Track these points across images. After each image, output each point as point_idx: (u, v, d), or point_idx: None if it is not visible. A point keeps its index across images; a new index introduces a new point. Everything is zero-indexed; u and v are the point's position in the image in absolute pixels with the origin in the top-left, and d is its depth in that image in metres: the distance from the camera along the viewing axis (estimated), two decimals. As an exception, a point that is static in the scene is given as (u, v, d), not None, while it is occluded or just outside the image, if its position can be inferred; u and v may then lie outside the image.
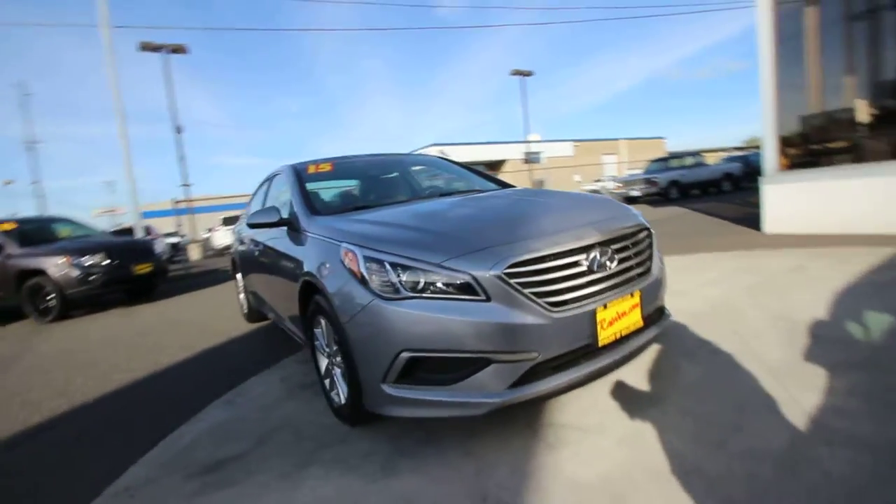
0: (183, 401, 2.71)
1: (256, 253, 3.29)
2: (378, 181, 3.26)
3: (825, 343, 2.25)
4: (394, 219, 2.13)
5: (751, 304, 2.99)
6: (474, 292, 1.59)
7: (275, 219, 2.55)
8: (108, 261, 6.02)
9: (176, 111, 12.93)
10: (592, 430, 1.77)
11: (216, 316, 5.12)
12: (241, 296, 4.54)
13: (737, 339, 2.45)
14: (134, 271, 6.31)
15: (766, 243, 4.84)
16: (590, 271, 1.73)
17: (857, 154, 4.95)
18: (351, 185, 3.29)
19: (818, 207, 4.83)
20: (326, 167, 3.05)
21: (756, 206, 5.70)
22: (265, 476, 1.78)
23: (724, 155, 22.76)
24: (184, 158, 12.54)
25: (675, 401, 1.90)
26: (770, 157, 5.14)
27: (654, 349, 2.44)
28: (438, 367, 1.62)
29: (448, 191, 3.01)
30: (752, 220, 6.29)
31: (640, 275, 1.92)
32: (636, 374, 2.19)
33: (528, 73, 22.81)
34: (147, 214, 9.97)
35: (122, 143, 9.05)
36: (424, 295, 1.62)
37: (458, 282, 1.60)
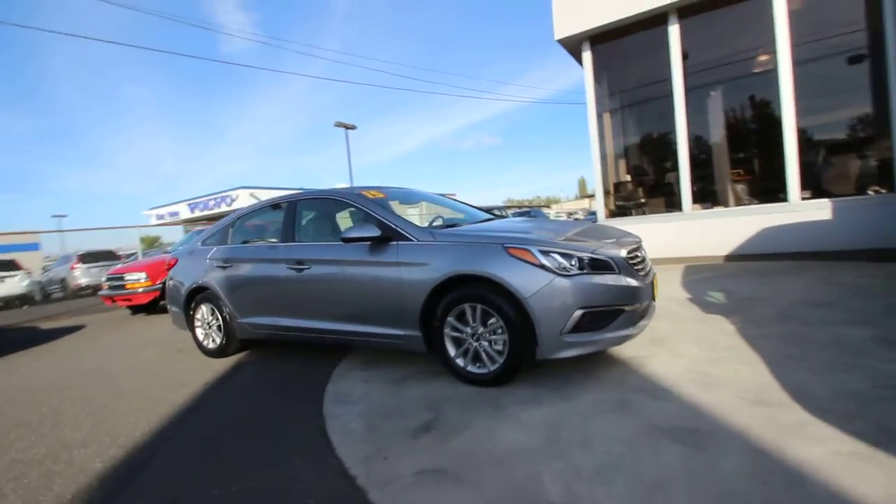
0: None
1: (293, 273, 3.39)
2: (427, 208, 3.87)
3: (705, 306, 3.98)
4: (515, 228, 2.96)
5: (644, 295, 4.69)
6: (612, 269, 2.59)
7: (375, 234, 2.99)
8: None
9: None
10: (653, 355, 2.91)
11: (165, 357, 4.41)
12: (201, 331, 4.18)
13: (661, 310, 4.00)
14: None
15: (608, 266, 7.08)
16: (643, 259, 2.94)
17: (643, 208, 7.74)
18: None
19: (629, 242, 7.31)
20: (381, 195, 3.53)
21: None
22: (480, 423, 2.29)
23: (513, 210, 28.43)
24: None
25: (672, 339, 3.20)
26: (600, 208, 7.54)
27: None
28: (595, 318, 2.52)
29: (488, 217, 3.86)
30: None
31: (649, 265, 3.22)
32: (635, 331, 3.44)
33: (351, 127, 24.22)
34: None
35: None
36: (584, 272, 2.53)
37: (604, 263, 2.58)
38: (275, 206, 3.88)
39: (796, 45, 5.93)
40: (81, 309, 9.82)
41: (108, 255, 13.85)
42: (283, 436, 2.42)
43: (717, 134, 6.89)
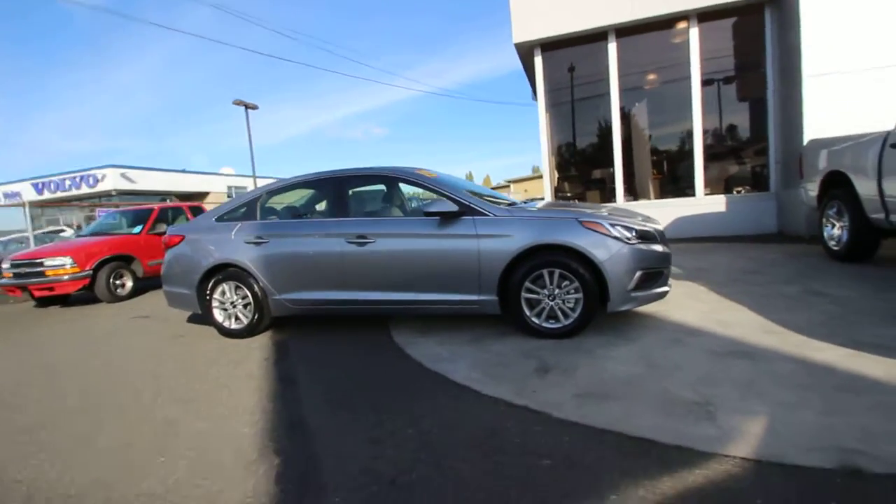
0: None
1: (353, 247, 3.51)
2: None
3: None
4: (573, 206, 3.50)
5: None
6: (656, 239, 3.29)
7: (454, 209, 3.31)
8: None
9: None
10: (668, 310, 3.69)
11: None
12: (220, 311, 4.00)
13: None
14: None
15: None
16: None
17: (578, 199, 8.87)
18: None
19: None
20: (433, 174, 3.79)
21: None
22: (585, 362, 2.81)
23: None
24: None
25: (670, 299, 4.03)
26: (548, 198, 8.48)
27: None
28: (648, 278, 3.20)
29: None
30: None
31: (654, 239, 4.03)
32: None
33: (252, 106, 22.40)
34: None
35: None
36: (640, 241, 3.19)
37: (651, 234, 3.26)
38: (317, 181, 3.89)
39: (705, 66, 7.43)
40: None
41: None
42: (417, 390, 2.65)
43: (640, 139, 8.23)
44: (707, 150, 7.67)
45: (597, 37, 7.80)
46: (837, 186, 4.86)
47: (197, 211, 8.50)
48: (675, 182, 8.09)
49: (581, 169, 8.85)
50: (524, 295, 3.25)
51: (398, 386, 2.72)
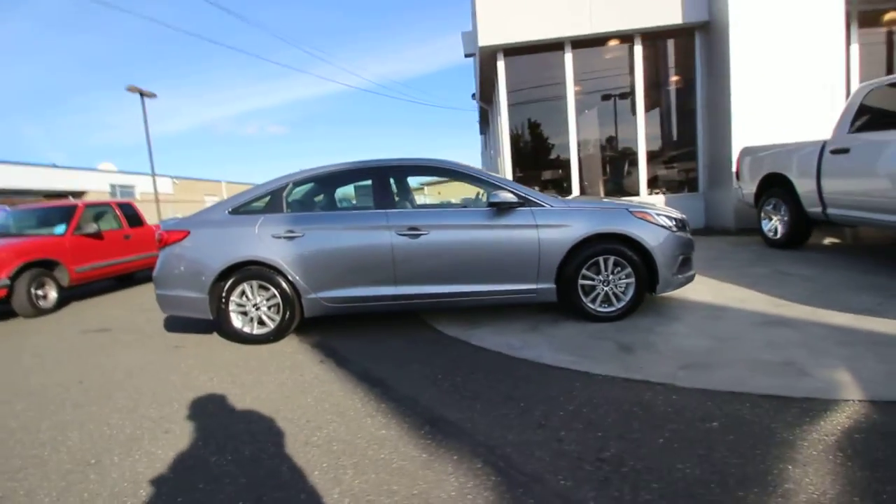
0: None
1: (405, 239, 3.41)
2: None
3: (652, 264, 5.55)
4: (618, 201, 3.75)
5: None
6: (686, 227, 3.68)
7: (515, 200, 3.38)
8: None
9: None
10: (683, 293, 4.13)
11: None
12: (238, 316, 3.61)
13: (628, 269, 5.38)
14: None
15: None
16: (673, 225, 4.15)
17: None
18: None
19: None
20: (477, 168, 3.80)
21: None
22: (656, 339, 3.06)
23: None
24: None
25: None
26: (508, 196, 8.82)
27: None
28: (685, 262, 3.57)
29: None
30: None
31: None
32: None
33: (150, 94, 19.80)
34: None
35: None
36: (679, 229, 3.54)
37: (684, 222, 3.64)
38: (356, 171, 3.68)
39: (646, 79, 8.34)
40: None
41: None
42: (523, 376, 2.68)
43: (591, 142, 8.96)
44: (648, 154, 8.60)
45: (555, 46, 8.33)
46: (774, 186, 5.80)
47: (127, 208, 7.38)
48: (620, 182, 8.94)
49: (535, 169, 9.35)
50: (580, 282, 3.43)
51: (501, 374, 2.72)
